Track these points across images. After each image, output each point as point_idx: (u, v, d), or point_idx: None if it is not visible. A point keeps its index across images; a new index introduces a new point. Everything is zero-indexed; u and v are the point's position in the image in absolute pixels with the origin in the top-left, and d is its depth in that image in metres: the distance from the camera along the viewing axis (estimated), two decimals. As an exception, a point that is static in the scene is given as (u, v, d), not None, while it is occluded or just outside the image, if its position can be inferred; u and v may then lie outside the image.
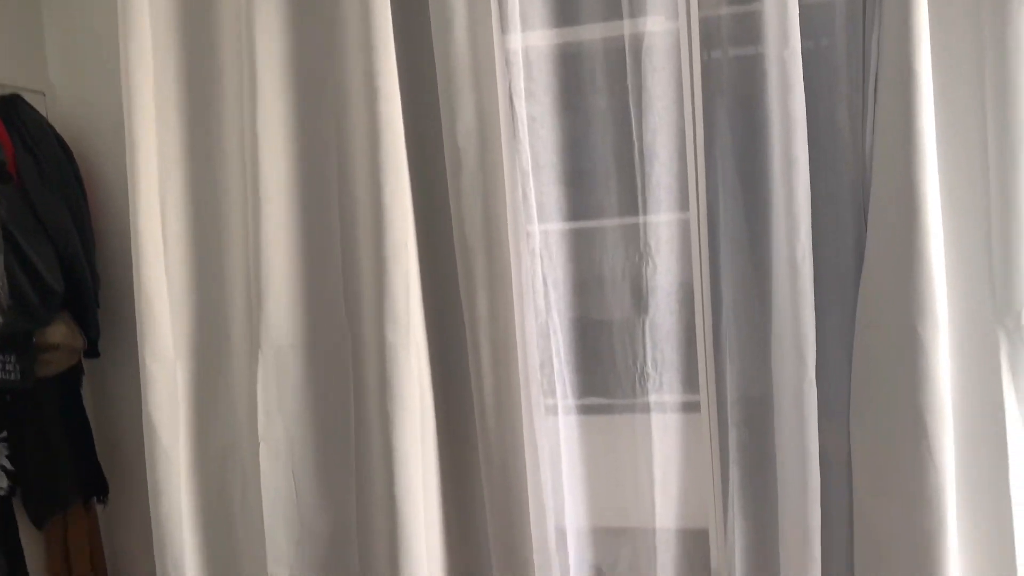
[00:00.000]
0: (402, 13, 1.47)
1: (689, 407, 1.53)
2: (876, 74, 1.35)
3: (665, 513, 1.55)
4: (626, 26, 1.44)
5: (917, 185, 1.28)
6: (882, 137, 1.34)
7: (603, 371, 1.54)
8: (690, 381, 1.51)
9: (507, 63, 1.44)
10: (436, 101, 1.46)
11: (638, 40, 1.43)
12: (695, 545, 1.55)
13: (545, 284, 1.51)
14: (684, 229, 1.48)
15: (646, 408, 1.53)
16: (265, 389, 1.54)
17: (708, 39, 1.44)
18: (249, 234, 1.52)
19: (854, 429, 1.41)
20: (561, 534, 1.55)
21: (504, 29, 1.44)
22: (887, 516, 1.36)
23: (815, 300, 1.37)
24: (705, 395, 1.50)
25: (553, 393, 1.53)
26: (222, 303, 1.58)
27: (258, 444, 1.55)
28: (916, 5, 1.27)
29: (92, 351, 1.86)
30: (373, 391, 1.50)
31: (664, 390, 1.51)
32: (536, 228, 1.51)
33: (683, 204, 1.48)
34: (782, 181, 1.37)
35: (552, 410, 1.54)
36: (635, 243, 1.49)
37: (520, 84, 1.46)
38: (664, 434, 1.53)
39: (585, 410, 1.58)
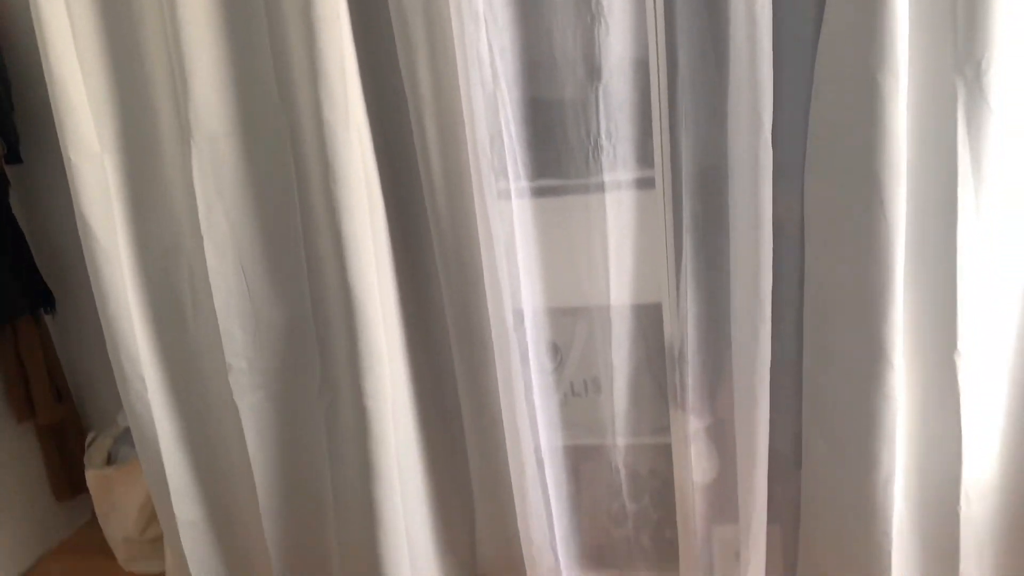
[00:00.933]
0: None
1: (644, 183, 1.49)
2: None
3: (620, 290, 1.55)
4: None
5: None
6: None
7: (556, 145, 1.48)
8: (645, 154, 1.47)
9: None
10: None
11: None
12: (649, 318, 1.57)
13: (491, 51, 1.41)
14: (637, -4, 1.38)
15: (600, 187, 1.49)
16: (202, 182, 1.47)
17: None
18: (165, 12, 1.39)
19: (808, 188, 1.39)
20: (518, 316, 1.56)
21: None
22: (837, 274, 1.38)
23: (773, 58, 1.30)
24: (660, 165, 1.46)
25: (505, 174, 1.48)
26: (144, 90, 1.47)
27: (201, 239, 1.50)
28: None
29: (14, 156, 1.76)
30: (316, 175, 1.44)
31: (619, 164, 1.47)
32: (479, -10, 1.39)
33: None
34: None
35: (505, 194, 1.50)
36: (586, 4, 1.38)
37: None
38: (619, 211, 1.50)
39: (539, 192, 1.53)
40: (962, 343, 1.38)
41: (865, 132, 1.28)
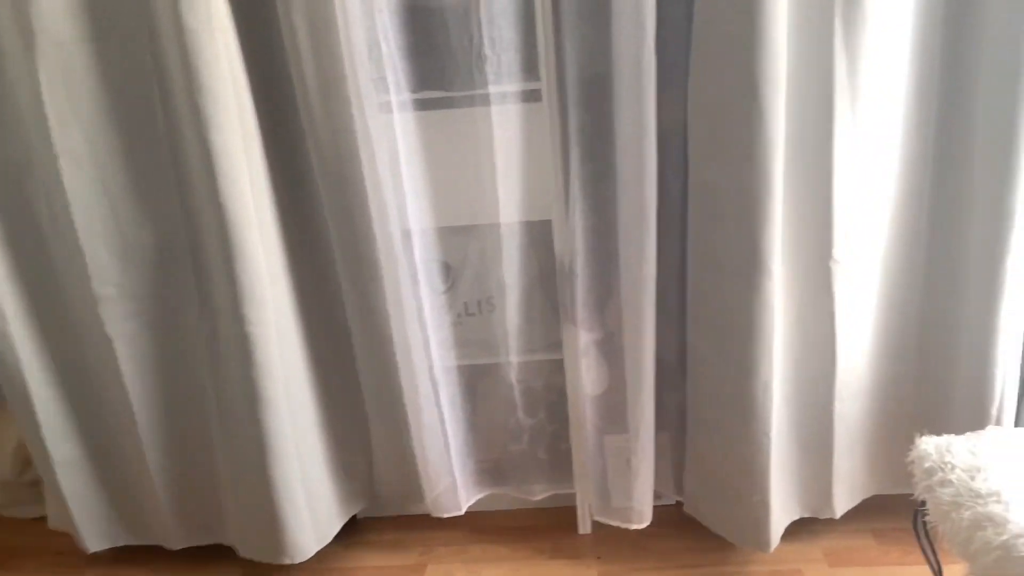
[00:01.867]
0: None
1: (529, 96, 1.46)
2: None
3: (510, 207, 1.53)
4: None
5: None
6: None
7: (438, 57, 1.42)
8: (530, 64, 1.43)
9: None
10: None
11: None
12: (540, 234, 1.56)
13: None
14: None
15: (485, 100, 1.45)
16: (51, 93, 1.34)
17: None
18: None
19: (691, 97, 1.38)
20: (406, 235, 1.51)
21: None
22: (718, 182, 1.39)
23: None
24: (545, 76, 1.43)
25: (386, 87, 1.41)
26: (-22, -11, 1.33)
27: (56, 157, 1.38)
28: None
29: None
30: (179, 85, 1.34)
31: (503, 74, 1.42)
32: None
33: None
34: None
35: (386, 107, 1.43)
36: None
37: None
38: (505, 125, 1.46)
39: (422, 105, 1.48)
40: (837, 250, 1.43)
41: (745, 40, 1.27)
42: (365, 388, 1.67)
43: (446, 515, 1.76)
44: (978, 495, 1.13)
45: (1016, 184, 1.34)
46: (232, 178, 1.37)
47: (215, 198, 1.38)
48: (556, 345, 1.64)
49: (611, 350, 1.62)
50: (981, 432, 1.31)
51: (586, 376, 1.63)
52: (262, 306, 1.46)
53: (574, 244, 1.52)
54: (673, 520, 1.75)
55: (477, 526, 1.86)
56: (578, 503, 1.79)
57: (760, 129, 1.31)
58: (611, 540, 1.78)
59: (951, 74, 1.38)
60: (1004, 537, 1.05)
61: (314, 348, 1.60)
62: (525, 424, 1.73)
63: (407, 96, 1.46)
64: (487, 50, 1.40)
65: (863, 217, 1.44)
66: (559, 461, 1.76)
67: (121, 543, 1.79)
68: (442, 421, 1.66)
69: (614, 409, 1.65)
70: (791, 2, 1.29)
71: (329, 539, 1.73)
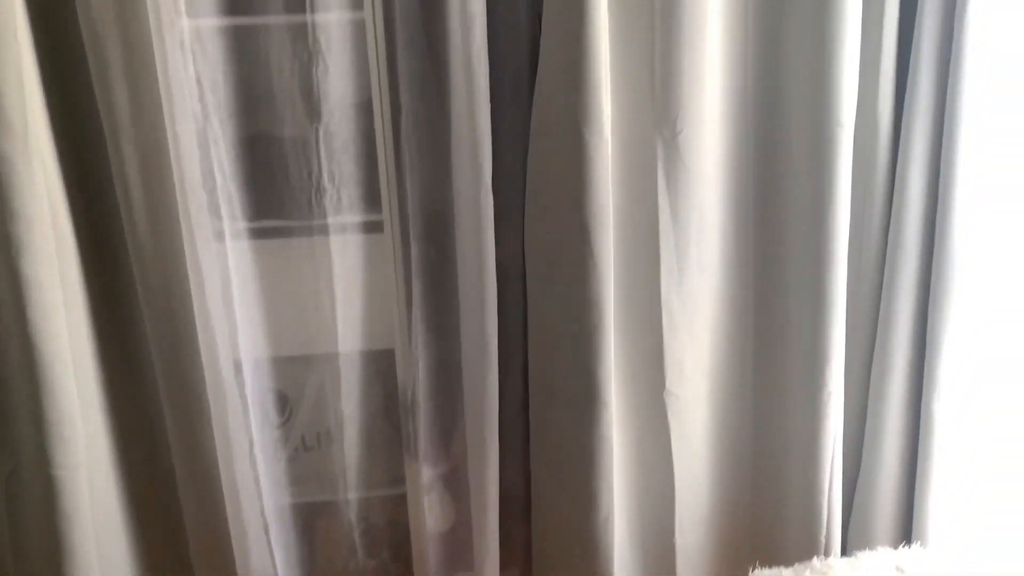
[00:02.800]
0: None
1: (370, 226, 1.46)
2: None
3: (349, 336, 1.50)
4: None
5: (587, -10, 1.27)
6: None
7: (275, 188, 1.41)
8: (370, 196, 1.44)
9: None
10: None
11: None
12: (382, 365, 1.53)
13: (200, 85, 1.32)
14: (358, 30, 1.36)
15: (324, 230, 1.44)
16: None
17: None
18: None
19: (527, 235, 1.43)
20: (237, 366, 1.45)
21: None
22: (555, 316, 1.42)
23: (492, 104, 1.33)
24: (388, 210, 1.44)
25: (219, 214, 1.38)
26: None
27: None
28: None
29: None
30: (-12, 214, 1.25)
31: (344, 206, 1.43)
32: (185, 22, 1.30)
33: (356, 4, 1.35)
34: (457, -25, 1.29)
35: (220, 236, 1.39)
36: (304, 42, 1.34)
37: None
38: (344, 256, 1.46)
39: (257, 234, 1.45)
40: (670, 381, 1.48)
41: (574, 183, 1.34)
42: (190, 534, 1.54)
43: (279, 671, 1.61)
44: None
45: (830, 316, 1.44)
46: (44, 310, 1.27)
47: (23, 331, 1.27)
48: (399, 480, 1.58)
49: (456, 484, 1.58)
50: (808, 563, 1.35)
51: (430, 512, 1.57)
52: (71, 447, 1.33)
53: (417, 375, 1.50)
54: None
55: None
56: (424, 648, 1.69)
57: (591, 268, 1.36)
58: None
59: (764, 214, 1.50)
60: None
61: (132, 493, 1.47)
62: (367, 566, 1.64)
63: (242, 225, 1.43)
64: (326, 183, 1.40)
65: (693, 349, 1.50)
66: (403, 603, 1.67)
67: None
68: (274, 566, 1.54)
69: (460, 546, 1.60)
70: (616, 146, 1.38)
71: None
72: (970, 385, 1.48)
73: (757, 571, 1.31)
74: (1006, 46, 1.38)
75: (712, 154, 1.43)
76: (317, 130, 1.37)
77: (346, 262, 1.46)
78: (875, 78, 1.42)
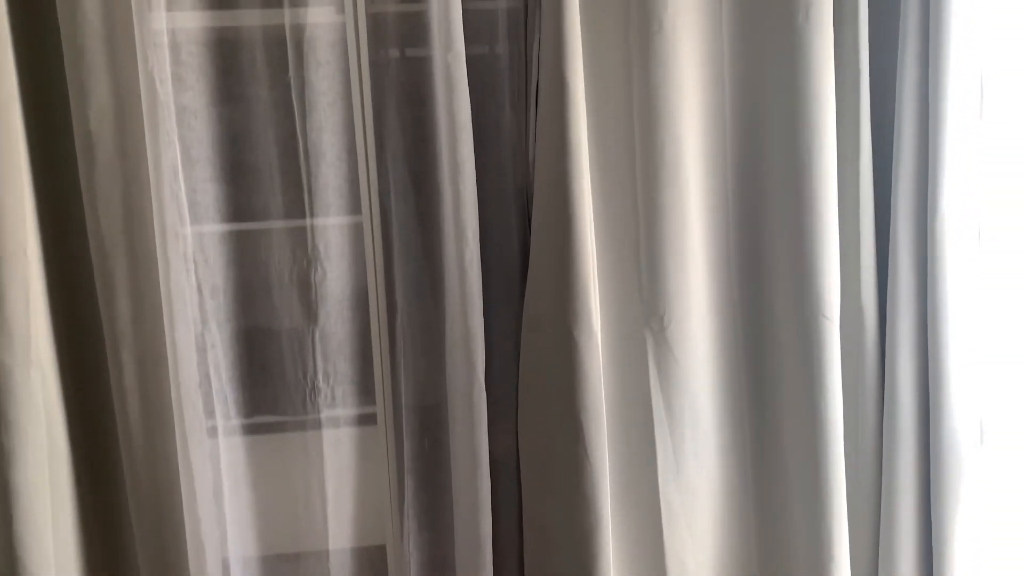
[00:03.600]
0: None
1: (363, 420, 1.47)
2: (537, 82, 1.38)
3: (339, 533, 1.47)
4: (287, 15, 1.34)
5: (572, 194, 1.32)
6: (541, 143, 1.37)
7: (271, 387, 1.42)
8: (364, 393, 1.45)
9: (151, 43, 1.27)
10: (63, 80, 1.26)
11: (300, 31, 1.34)
12: (372, 562, 1.49)
13: (200, 292, 1.36)
14: (355, 233, 1.42)
15: (317, 424, 1.44)
16: None
17: (376, 36, 1.39)
18: None
19: (521, 432, 1.43)
20: (226, 566, 1.41)
21: (148, 5, 1.27)
22: (552, 514, 1.40)
23: (485, 303, 1.37)
24: (382, 407, 1.45)
25: (213, 413, 1.39)
26: None
27: None
28: (570, 19, 1.31)
29: None
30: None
31: (337, 404, 1.44)
32: (188, 230, 1.36)
33: (353, 207, 1.41)
34: (450, 184, 1.36)
35: (212, 432, 1.40)
36: (303, 247, 1.39)
37: (166, 67, 1.30)
38: (337, 450, 1.45)
39: (250, 430, 1.45)
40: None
41: (566, 379, 1.36)
42: None
43: None
44: None
45: (831, 505, 1.42)
46: (31, 522, 1.26)
47: (8, 538, 1.25)
48: None
49: None
50: None
51: None
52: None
53: (409, 572, 1.46)
54: None
55: None
56: None
57: (586, 465, 1.35)
58: None
59: (758, 402, 1.50)
60: None
61: None
62: None
63: (236, 422, 1.43)
64: (321, 383, 1.42)
65: (694, 545, 1.47)
66: None
67: None
68: None
69: None
70: (607, 342, 1.40)
71: None
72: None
73: None
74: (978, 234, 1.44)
75: (702, 345, 1.45)
76: (313, 331, 1.40)
77: (338, 456, 1.45)
78: (856, 267, 1.46)
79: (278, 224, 1.41)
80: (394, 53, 1.41)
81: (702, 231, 1.44)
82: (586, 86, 1.35)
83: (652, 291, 1.41)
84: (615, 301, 1.42)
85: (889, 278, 1.47)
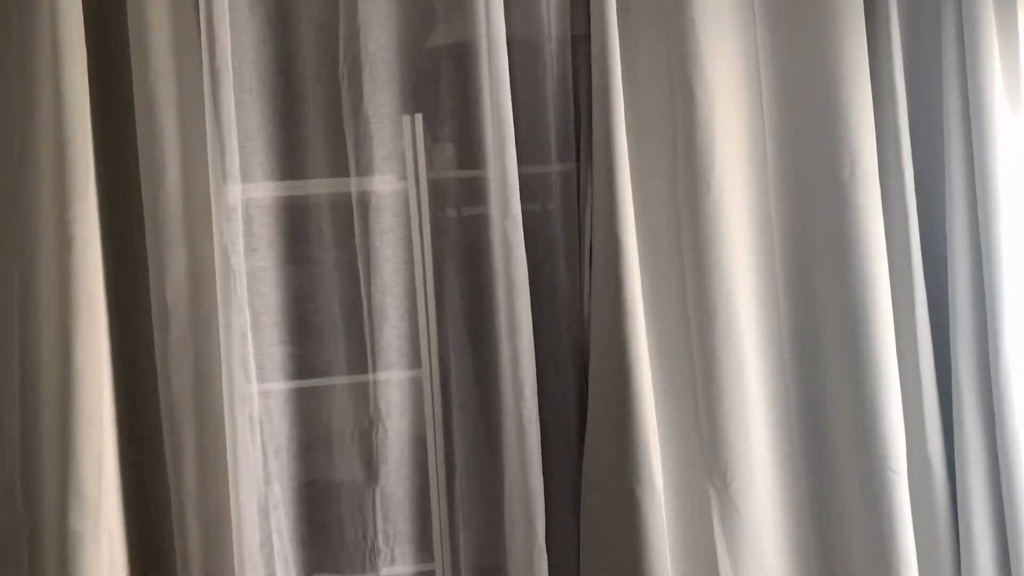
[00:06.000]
0: (105, 159, 1.35)
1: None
2: (590, 241, 1.42)
3: None
4: (353, 184, 1.42)
5: (629, 351, 1.34)
6: (597, 301, 1.40)
7: (331, 547, 1.42)
8: (423, 551, 1.44)
9: (225, 217, 1.35)
10: (144, 253, 1.33)
11: (366, 198, 1.41)
12: None
13: (265, 453, 1.38)
14: (415, 389, 1.44)
15: (379, 580, 1.43)
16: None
17: (436, 200, 1.45)
18: None
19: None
20: None
21: (223, 179, 1.35)
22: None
23: (544, 462, 1.37)
24: (440, 567, 1.43)
25: (274, 574, 1.38)
26: None
27: None
28: (621, 181, 1.36)
29: None
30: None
31: (396, 563, 1.42)
32: (255, 389, 1.39)
33: (413, 363, 1.44)
34: (508, 343, 1.38)
35: (274, 588, 1.39)
36: (364, 405, 1.42)
37: (239, 238, 1.36)
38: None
39: (312, 586, 1.44)
40: None
41: (629, 539, 1.33)
42: None
43: None
44: None
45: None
46: None
47: None
48: None
49: None
50: None
51: None
52: None
53: None
54: None
55: None
56: None
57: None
58: None
59: (826, 562, 1.45)
60: None
61: None
62: None
63: (296, 579, 1.42)
64: (381, 544, 1.41)
65: None
66: None
67: None
68: None
69: None
70: (668, 506, 1.37)
71: None
72: None
73: None
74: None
75: (766, 500, 1.42)
76: (374, 490, 1.41)
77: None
78: (920, 416, 1.44)
79: (341, 380, 1.44)
80: (452, 213, 1.47)
81: (760, 384, 1.44)
82: (639, 245, 1.38)
83: (713, 446, 1.40)
84: (676, 457, 1.41)
85: (955, 426, 1.44)
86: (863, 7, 1.43)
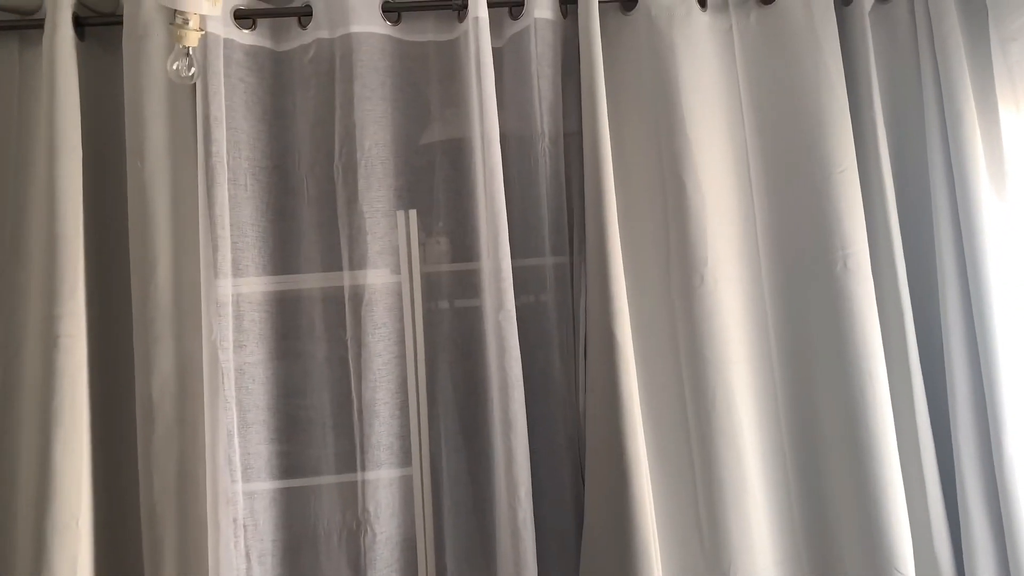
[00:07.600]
0: (96, 252, 1.34)
1: None
2: (584, 334, 1.41)
3: None
4: (346, 277, 1.41)
5: (628, 450, 1.30)
6: (592, 397, 1.37)
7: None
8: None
9: (215, 313, 1.33)
10: (130, 349, 1.31)
11: (358, 292, 1.39)
12: None
13: (248, 559, 1.33)
14: (405, 488, 1.40)
15: None
16: None
17: (429, 293, 1.44)
18: None
19: None
20: None
21: (215, 274, 1.34)
22: None
23: (539, 567, 1.31)
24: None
25: None
26: None
27: None
28: (614, 275, 1.35)
29: None
30: None
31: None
32: (240, 489, 1.34)
33: (404, 461, 1.40)
34: (502, 440, 1.34)
35: None
36: (353, 507, 1.37)
37: (228, 334, 1.34)
38: None
39: None
40: None
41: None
42: None
43: None
44: None
45: None
46: None
47: None
48: None
49: None
50: None
51: None
52: None
53: None
54: None
55: None
56: None
57: None
58: None
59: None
60: None
61: None
62: None
63: None
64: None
65: None
66: None
67: None
68: None
69: None
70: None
71: None
72: None
73: None
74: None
75: (770, 604, 1.37)
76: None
77: None
78: (925, 515, 1.40)
79: (329, 480, 1.40)
80: (445, 305, 1.45)
81: (761, 480, 1.40)
82: (633, 338, 1.37)
83: (714, 546, 1.35)
84: (676, 556, 1.36)
85: (962, 524, 1.40)
86: (848, 105, 1.46)
